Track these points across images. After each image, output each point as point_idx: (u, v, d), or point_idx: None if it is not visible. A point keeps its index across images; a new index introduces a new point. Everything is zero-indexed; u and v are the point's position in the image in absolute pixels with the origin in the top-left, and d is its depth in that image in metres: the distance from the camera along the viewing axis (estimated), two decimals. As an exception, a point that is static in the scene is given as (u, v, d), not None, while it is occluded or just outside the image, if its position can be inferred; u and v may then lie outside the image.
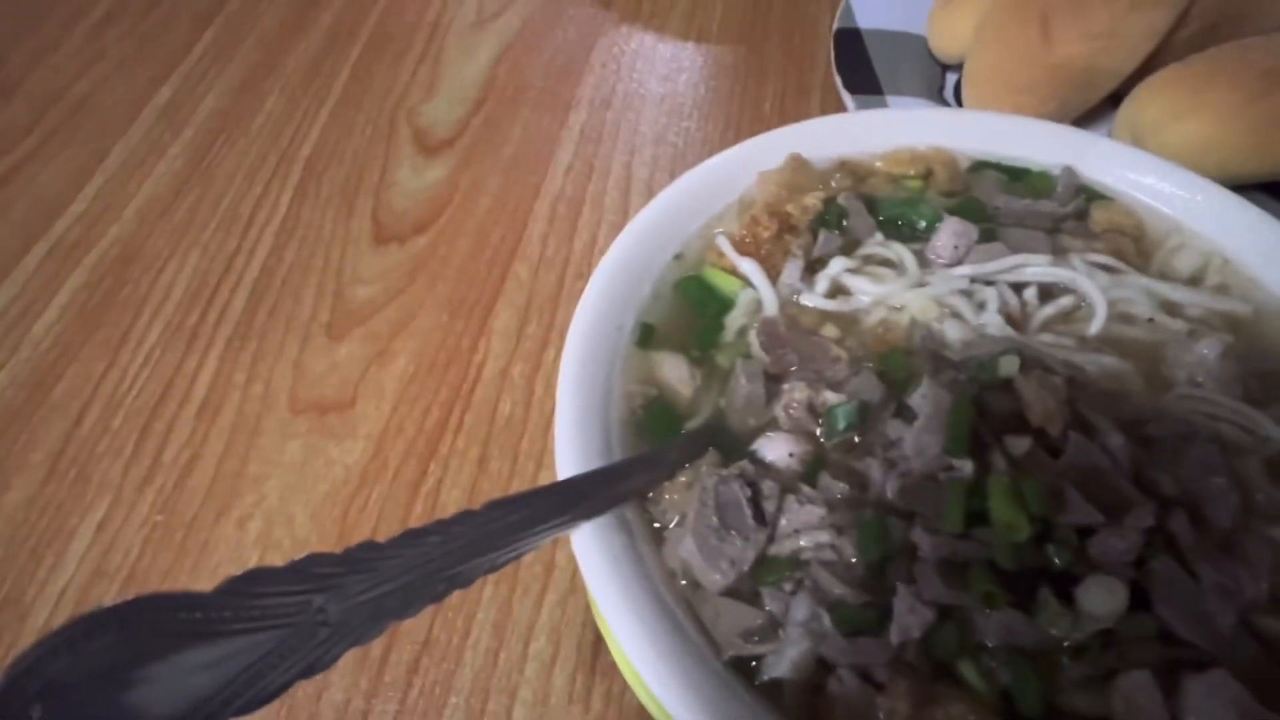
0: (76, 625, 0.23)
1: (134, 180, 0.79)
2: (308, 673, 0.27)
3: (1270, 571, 0.37)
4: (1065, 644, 0.35)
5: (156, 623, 0.24)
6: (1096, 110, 0.77)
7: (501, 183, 0.78)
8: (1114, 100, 0.76)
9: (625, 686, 0.51)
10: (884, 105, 0.77)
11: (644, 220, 0.48)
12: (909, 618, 0.35)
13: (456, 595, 0.54)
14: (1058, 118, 0.73)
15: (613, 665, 0.52)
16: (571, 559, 0.56)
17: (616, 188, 0.77)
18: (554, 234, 0.74)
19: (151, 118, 0.85)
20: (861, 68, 0.80)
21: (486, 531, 0.32)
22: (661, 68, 0.88)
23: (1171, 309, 0.46)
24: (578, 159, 0.80)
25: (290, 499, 0.59)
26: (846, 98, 0.78)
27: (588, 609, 0.54)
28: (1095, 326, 0.45)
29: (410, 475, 0.60)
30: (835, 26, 0.84)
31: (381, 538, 0.30)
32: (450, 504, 0.59)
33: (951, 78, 0.83)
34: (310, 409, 0.64)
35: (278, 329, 0.68)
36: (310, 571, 0.27)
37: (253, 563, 0.56)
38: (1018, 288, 0.47)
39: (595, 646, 0.53)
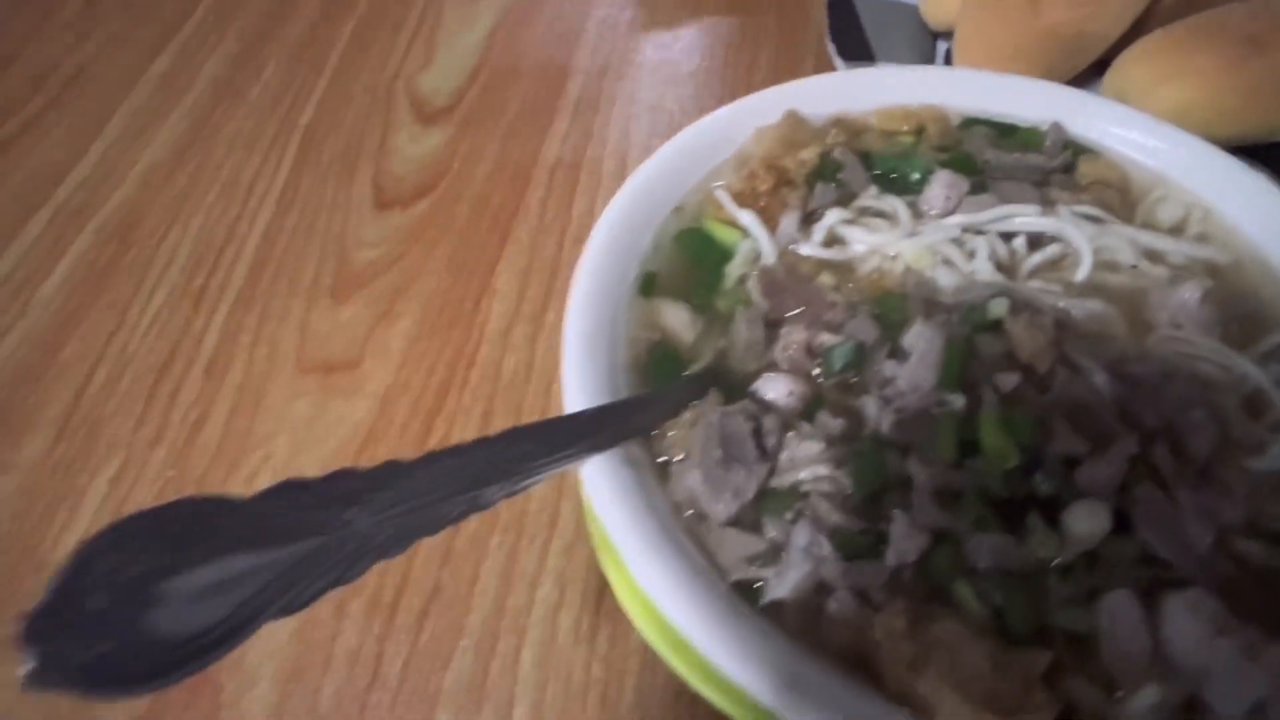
0: (120, 524, 0.24)
1: (135, 147, 0.80)
2: (338, 582, 0.29)
3: (1246, 498, 0.40)
4: (1052, 565, 0.37)
5: (196, 524, 0.25)
6: (1083, 76, 0.78)
7: (500, 150, 0.79)
8: (1100, 67, 0.77)
9: (630, 628, 0.53)
10: (876, 72, 0.78)
11: (643, 175, 0.49)
12: (905, 542, 0.37)
13: (465, 544, 0.57)
14: (1046, 83, 0.74)
15: (617, 609, 0.53)
16: (576, 509, 0.58)
17: (614, 155, 0.78)
18: (552, 200, 0.75)
19: (151, 86, 0.85)
20: (855, 36, 0.81)
21: (502, 456, 0.34)
22: (657, 36, 0.89)
23: (1154, 257, 0.48)
24: (575, 126, 0.81)
25: (299, 455, 0.60)
26: (840, 65, 0.79)
27: (592, 556, 0.56)
28: (1081, 273, 0.47)
29: (416, 431, 0.62)
30: (828, -5, 0.85)
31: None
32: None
33: (943, 46, 0.84)
34: (317, 368, 0.65)
35: (281, 292, 0.70)
36: (340, 485, 0.29)
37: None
38: (1007, 237, 0.48)
39: (600, 592, 0.55)
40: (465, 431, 0.62)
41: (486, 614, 0.54)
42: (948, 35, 0.83)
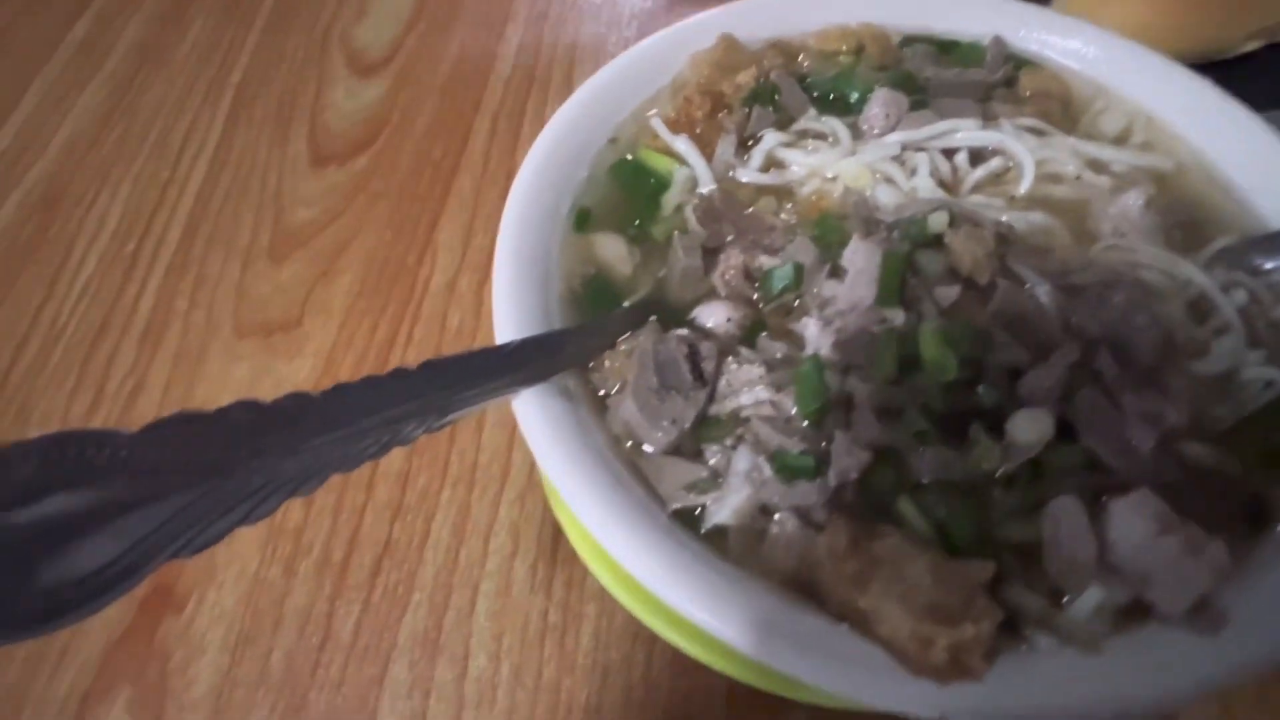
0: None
1: (55, 116, 0.77)
2: (245, 520, 0.27)
3: (1190, 401, 0.39)
4: (996, 475, 0.37)
5: (79, 459, 0.24)
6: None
7: (440, 100, 0.77)
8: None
9: (586, 573, 0.52)
10: None
11: (575, 105, 0.48)
12: (846, 460, 0.36)
13: (415, 499, 0.55)
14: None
15: (573, 554, 0.52)
16: (527, 458, 0.57)
17: (557, 99, 0.76)
18: (496, 149, 0.73)
19: (69, 52, 0.82)
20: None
21: (421, 389, 0.32)
22: (598, -22, 0.87)
23: (1097, 167, 0.47)
24: (516, 73, 0.78)
25: (241, 418, 0.59)
26: None
27: (546, 504, 0.55)
28: (1024, 186, 0.46)
29: (361, 389, 0.60)
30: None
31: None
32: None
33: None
34: (256, 331, 0.63)
35: (218, 255, 0.67)
36: (239, 419, 0.27)
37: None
38: (949, 153, 0.47)
39: (555, 539, 0.54)
40: (412, 387, 0.60)
41: (439, 567, 0.53)
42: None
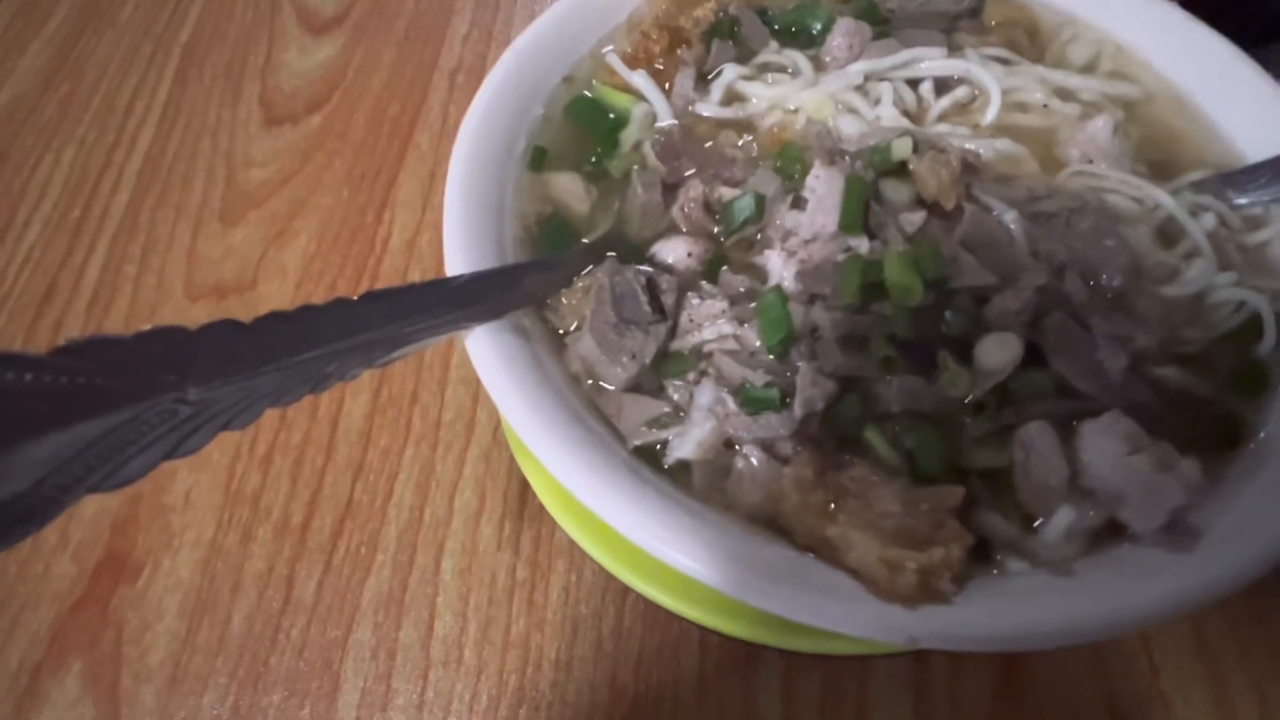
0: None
1: (-5, 79, 0.74)
2: (174, 453, 0.26)
3: (1160, 323, 0.38)
4: (965, 402, 0.36)
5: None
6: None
7: (396, 57, 0.74)
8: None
9: (554, 528, 0.51)
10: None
11: (529, 40, 0.46)
12: (811, 390, 0.35)
13: (377, 458, 0.54)
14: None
15: (541, 510, 0.51)
16: (493, 415, 0.55)
17: (517, 54, 0.74)
18: (455, 104, 0.71)
19: (10, 13, 0.78)
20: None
21: (365, 319, 0.31)
22: (558, -69, 0.84)
23: (1065, 95, 0.46)
24: (475, 27, 0.76)
25: (194, 383, 0.57)
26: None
27: (512, 461, 0.53)
28: (990, 114, 0.45)
29: (320, 350, 0.58)
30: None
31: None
32: (364, 377, 0.57)
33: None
34: (209, 294, 0.61)
35: (167, 218, 0.65)
36: (162, 344, 0.26)
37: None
38: (914, 84, 0.46)
39: (522, 495, 0.52)
40: (373, 346, 0.59)
41: (403, 527, 0.51)
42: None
